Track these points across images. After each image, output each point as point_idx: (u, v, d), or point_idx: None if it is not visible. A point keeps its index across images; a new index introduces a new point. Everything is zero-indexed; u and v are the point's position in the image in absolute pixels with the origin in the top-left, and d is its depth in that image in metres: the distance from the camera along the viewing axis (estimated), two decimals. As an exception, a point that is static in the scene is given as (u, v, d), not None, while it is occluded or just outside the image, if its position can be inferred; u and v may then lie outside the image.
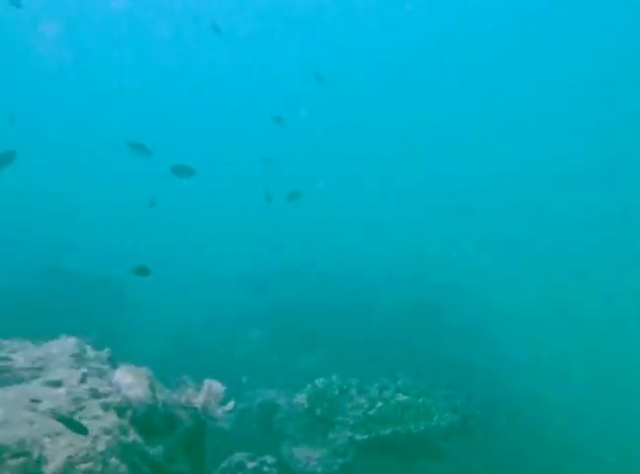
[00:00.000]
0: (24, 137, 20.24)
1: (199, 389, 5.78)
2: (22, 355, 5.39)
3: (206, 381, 5.80)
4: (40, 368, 5.23)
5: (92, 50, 25.71)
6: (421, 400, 8.94)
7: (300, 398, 9.12)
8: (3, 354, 5.32)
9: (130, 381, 5.12)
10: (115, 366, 5.63)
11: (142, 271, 7.68)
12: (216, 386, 5.76)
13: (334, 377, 9.52)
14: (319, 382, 9.40)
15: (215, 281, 16.83)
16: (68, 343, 5.48)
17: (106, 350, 6.11)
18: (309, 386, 9.28)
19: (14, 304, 11.91)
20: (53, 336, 10.68)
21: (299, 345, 13.23)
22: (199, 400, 5.70)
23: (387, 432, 8.42)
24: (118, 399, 5.00)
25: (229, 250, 20.22)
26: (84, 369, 5.15)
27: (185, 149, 26.36)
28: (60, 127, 25.69)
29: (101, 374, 5.35)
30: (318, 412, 9.06)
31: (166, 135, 25.48)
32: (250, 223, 22.42)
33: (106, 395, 5.01)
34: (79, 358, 5.42)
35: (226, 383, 5.53)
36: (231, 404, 5.83)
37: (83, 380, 5.06)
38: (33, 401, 4.71)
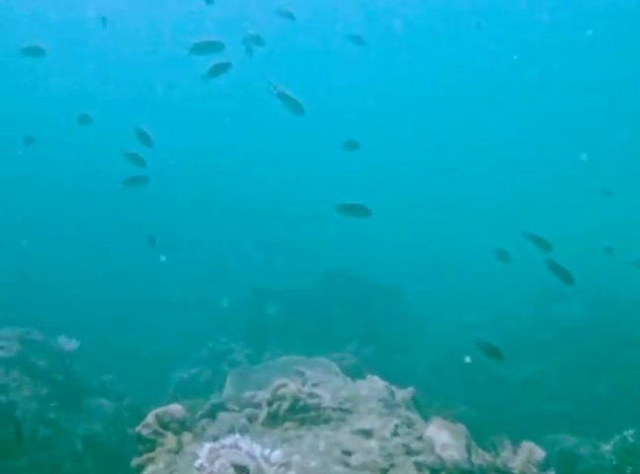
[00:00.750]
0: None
1: (515, 452, 4.97)
2: (328, 390, 5.07)
3: (526, 444, 4.96)
4: (348, 411, 4.84)
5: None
6: None
7: (607, 450, 7.85)
8: (308, 388, 5.03)
9: (446, 440, 4.48)
10: (424, 417, 5.07)
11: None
12: (538, 452, 4.90)
13: (647, 431, 8.01)
14: (629, 435, 8.01)
15: (504, 293, 15.72)
16: (378, 385, 5.01)
17: (409, 389, 5.57)
18: (617, 438, 7.96)
19: (296, 306, 12.15)
20: (339, 344, 10.79)
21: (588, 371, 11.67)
22: (516, 465, 4.88)
23: None
24: (431, 458, 4.39)
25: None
26: (396, 420, 4.63)
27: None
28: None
29: (410, 424, 4.81)
30: (628, 471, 7.71)
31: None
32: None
33: (418, 452, 4.44)
34: (387, 404, 4.92)
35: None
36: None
37: (395, 433, 4.55)
38: (344, 453, 4.31)
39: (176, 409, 4.54)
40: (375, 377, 5.30)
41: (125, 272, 14.67)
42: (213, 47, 6.94)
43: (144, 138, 7.10)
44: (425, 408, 10.19)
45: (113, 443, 6.96)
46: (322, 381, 5.33)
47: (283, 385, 4.81)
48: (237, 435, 3.87)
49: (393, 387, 5.28)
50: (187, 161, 22.07)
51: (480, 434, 8.01)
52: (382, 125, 24.74)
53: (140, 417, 7.79)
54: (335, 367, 9.31)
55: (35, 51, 8.14)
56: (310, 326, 11.63)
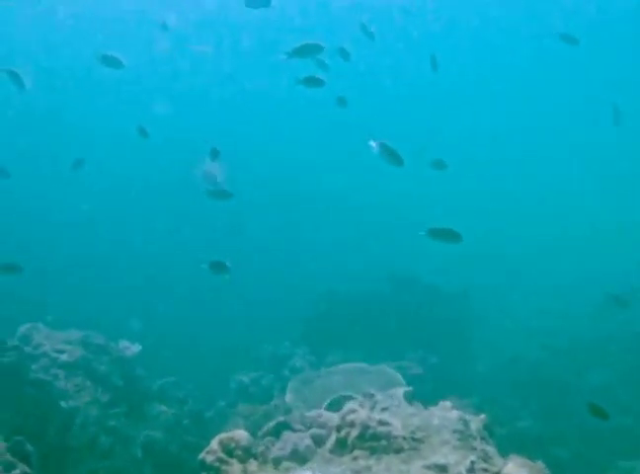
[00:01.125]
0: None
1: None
2: (398, 417, 4.74)
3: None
4: (420, 441, 4.50)
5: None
6: None
7: None
8: (377, 414, 4.71)
9: (527, 481, 4.10)
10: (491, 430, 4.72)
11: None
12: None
13: None
14: None
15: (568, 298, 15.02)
16: (451, 415, 4.64)
17: (482, 417, 5.17)
18: None
19: (360, 309, 11.84)
20: (402, 350, 10.45)
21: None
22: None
23: None
24: (511, 500, 4.02)
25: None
26: (472, 456, 4.26)
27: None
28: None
29: (486, 458, 4.44)
30: None
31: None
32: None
33: (497, 492, 4.08)
34: (462, 436, 4.54)
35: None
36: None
37: (471, 469, 4.19)
38: (418, 490, 3.98)
39: (241, 435, 4.32)
40: (447, 403, 4.93)
41: (190, 269, 14.66)
42: (313, 50, 6.70)
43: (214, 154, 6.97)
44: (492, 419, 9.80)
45: (172, 451, 6.82)
46: (391, 405, 5.00)
47: (353, 411, 4.52)
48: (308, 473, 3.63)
49: (467, 416, 4.89)
50: (261, 158, 21.95)
51: (543, 450, 7.54)
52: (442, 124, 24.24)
53: (200, 424, 7.73)
54: (399, 377, 8.97)
55: (113, 62, 7.93)
56: (373, 330, 11.31)
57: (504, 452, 4.69)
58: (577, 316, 13.74)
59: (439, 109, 24.36)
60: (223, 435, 4.34)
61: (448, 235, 6.31)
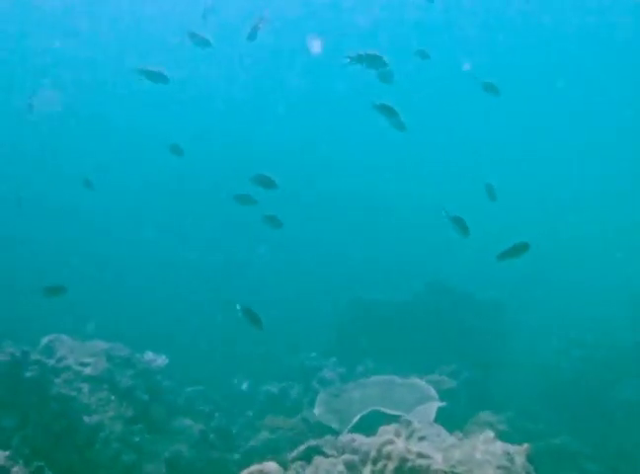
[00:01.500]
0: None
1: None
2: (438, 449, 4.43)
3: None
4: (461, 476, 4.18)
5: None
6: None
7: None
8: (415, 445, 4.41)
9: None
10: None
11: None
12: None
13: None
14: None
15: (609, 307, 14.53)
16: (495, 448, 4.32)
17: (524, 446, 4.82)
18: None
19: (392, 319, 11.53)
20: (436, 361, 10.10)
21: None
22: None
23: None
24: None
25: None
26: (519, 495, 3.93)
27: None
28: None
29: (534, 498, 4.12)
30: None
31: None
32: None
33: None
34: (507, 472, 4.21)
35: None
36: None
37: (518, 512, 3.87)
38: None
39: (271, 468, 4.05)
40: (490, 435, 4.61)
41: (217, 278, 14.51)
42: (376, 62, 6.44)
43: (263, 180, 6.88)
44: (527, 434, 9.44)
45: (197, 468, 6.59)
46: (430, 434, 4.69)
47: (390, 442, 4.21)
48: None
49: (511, 448, 4.55)
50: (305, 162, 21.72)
51: (579, 467, 7.18)
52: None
53: (227, 438, 7.50)
54: (432, 391, 8.67)
55: (157, 77, 7.75)
56: (404, 340, 11.00)
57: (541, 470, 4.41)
58: (613, 325, 13.31)
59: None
60: (253, 468, 4.08)
61: (519, 249, 6.41)
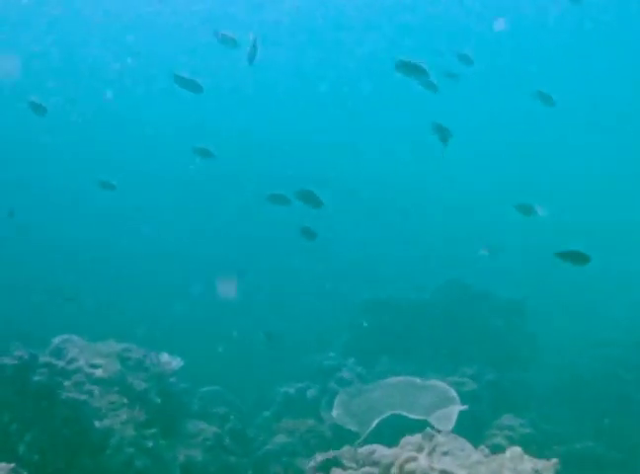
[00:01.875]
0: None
1: None
2: (463, 466, 4.18)
3: None
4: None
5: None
6: None
7: None
8: (438, 462, 4.16)
9: None
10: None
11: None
12: None
13: None
14: None
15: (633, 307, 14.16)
16: (524, 467, 4.06)
17: (553, 461, 4.55)
18: None
19: (411, 318, 11.28)
20: (456, 362, 9.84)
21: None
22: None
23: None
24: None
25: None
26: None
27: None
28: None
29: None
30: None
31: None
32: None
33: None
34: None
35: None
36: None
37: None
38: None
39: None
40: (518, 450, 4.33)
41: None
42: (418, 72, 6.16)
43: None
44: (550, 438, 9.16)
45: (211, 473, 6.42)
46: (454, 448, 4.43)
47: (413, 459, 3.98)
48: None
49: (539, 464, 4.28)
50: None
51: None
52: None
53: (243, 442, 7.32)
54: (453, 394, 8.42)
55: (192, 86, 7.54)
56: (425, 340, 10.78)
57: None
58: (637, 324, 12.93)
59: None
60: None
61: (576, 257, 6.17)
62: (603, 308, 14.51)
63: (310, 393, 9.06)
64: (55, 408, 5.30)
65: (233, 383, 9.29)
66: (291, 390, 9.08)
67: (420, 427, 7.52)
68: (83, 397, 5.62)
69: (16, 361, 5.12)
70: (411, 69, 6.11)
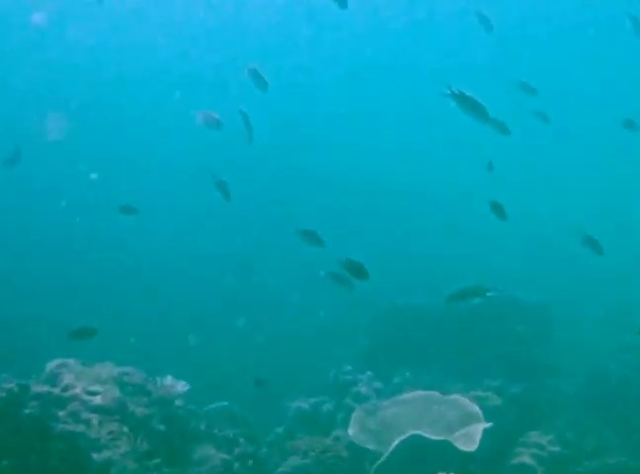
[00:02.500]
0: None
1: None
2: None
3: None
4: None
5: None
6: None
7: None
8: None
9: None
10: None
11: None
12: None
13: None
14: None
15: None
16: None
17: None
18: None
19: (429, 326, 10.84)
20: (478, 373, 9.39)
21: None
22: None
23: None
24: None
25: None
26: None
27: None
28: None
29: None
30: None
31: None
32: None
33: None
34: None
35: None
36: None
37: None
38: None
39: None
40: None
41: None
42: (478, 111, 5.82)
43: None
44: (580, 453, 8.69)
45: (219, 504, 6.00)
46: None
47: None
48: None
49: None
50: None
51: None
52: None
53: (253, 468, 6.90)
54: (476, 410, 8.05)
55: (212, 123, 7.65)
56: (445, 348, 10.33)
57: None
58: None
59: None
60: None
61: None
62: (635, 310, 13.97)
63: (325, 408, 8.70)
64: (49, 442, 4.88)
65: (243, 396, 8.93)
66: (305, 405, 8.71)
67: (441, 447, 7.17)
68: (80, 428, 5.22)
69: (3, 394, 4.71)
70: (470, 106, 5.76)
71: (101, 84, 20.86)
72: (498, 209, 7.17)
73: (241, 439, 6.83)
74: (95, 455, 5.23)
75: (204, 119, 7.75)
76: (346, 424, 7.89)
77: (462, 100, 5.62)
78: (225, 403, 8.32)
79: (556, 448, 8.18)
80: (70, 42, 19.89)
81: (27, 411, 4.81)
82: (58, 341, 6.23)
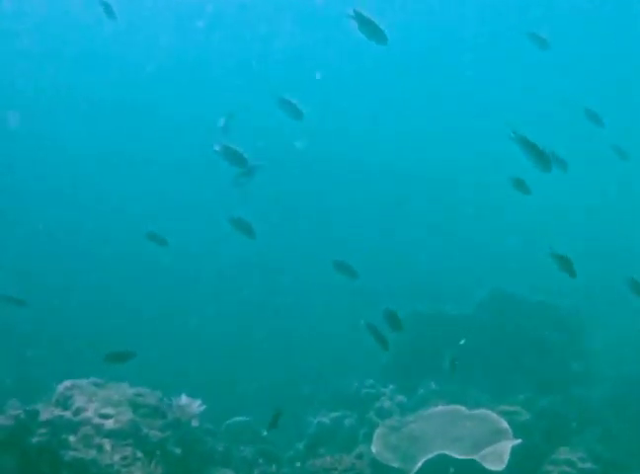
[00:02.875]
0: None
1: None
2: None
3: None
4: None
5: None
6: None
7: None
8: None
9: None
10: None
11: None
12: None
13: None
14: None
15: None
16: None
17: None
18: None
19: (453, 335, 10.49)
20: (505, 384, 9.07)
21: None
22: None
23: None
24: None
25: None
26: None
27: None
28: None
29: None
30: None
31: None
32: None
33: None
34: None
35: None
36: None
37: None
38: None
39: None
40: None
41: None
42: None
43: None
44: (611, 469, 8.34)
45: (238, 529, 5.75)
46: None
47: None
48: None
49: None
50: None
51: None
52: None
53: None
54: (505, 426, 7.76)
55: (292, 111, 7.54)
56: (471, 358, 9.96)
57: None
58: None
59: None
60: None
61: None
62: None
63: (347, 422, 8.41)
64: (59, 472, 4.64)
65: (263, 411, 8.70)
66: (326, 420, 8.43)
67: (468, 465, 6.87)
68: (91, 454, 4.99)
69: (11, 422, 4.49)
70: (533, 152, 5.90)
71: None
72: (520, 185, 7.02)
73: (260, 460, 6.56)
74: (107, 482, 5.00)
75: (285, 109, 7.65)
76: (369, 439, 7.62)
77: (525, 145, 5.82)
78: (244, 418, 8.09)
79: (587, 465, 7.80)
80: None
81: (35, 439, 4.58)
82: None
